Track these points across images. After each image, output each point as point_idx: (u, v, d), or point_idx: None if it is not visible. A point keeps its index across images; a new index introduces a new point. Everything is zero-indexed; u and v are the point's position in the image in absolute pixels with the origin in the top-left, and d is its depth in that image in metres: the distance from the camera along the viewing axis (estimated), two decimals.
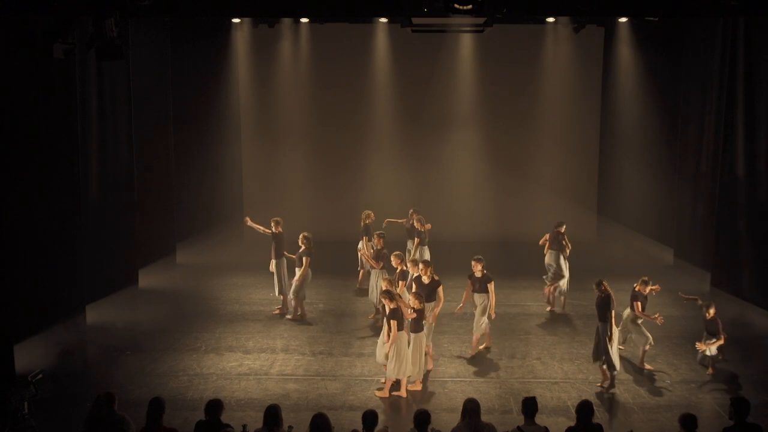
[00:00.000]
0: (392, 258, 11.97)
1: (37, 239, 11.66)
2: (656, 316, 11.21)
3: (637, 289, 11.27)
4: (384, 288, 10.68)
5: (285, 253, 13.58)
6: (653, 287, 11.36)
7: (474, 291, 11.72)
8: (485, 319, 11.68)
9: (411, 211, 15.13)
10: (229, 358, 11.62)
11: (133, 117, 14.70)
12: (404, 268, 11.81)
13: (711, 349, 10.97)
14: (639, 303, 11.18)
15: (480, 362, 11.57)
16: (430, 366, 11.06)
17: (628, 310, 11.45)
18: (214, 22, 17.51)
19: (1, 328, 10.41)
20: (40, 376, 9.03)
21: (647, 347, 11.26)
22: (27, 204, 11.39)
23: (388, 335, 10.15)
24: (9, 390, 8.76)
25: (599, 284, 10.57)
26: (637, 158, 18.14)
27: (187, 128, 17.61)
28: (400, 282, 11.48)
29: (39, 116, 11.74)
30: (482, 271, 11.63)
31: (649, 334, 11.25)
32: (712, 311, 11.06)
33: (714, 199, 14.91)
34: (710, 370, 11.04)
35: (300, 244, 13.11)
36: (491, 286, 11.59)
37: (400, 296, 10.52)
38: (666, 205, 17.36)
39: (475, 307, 11.74)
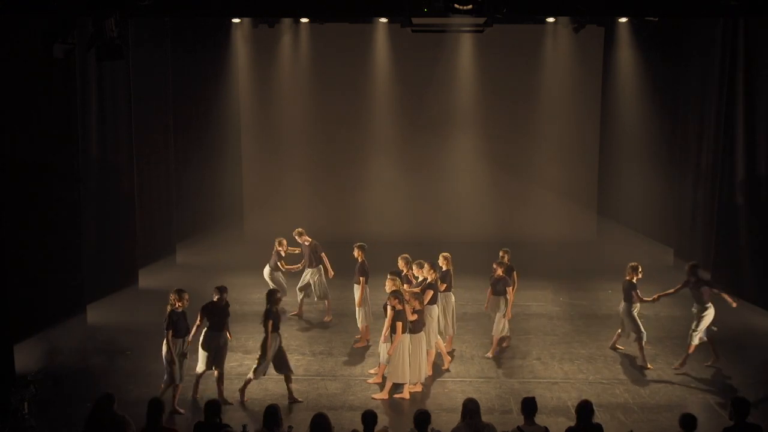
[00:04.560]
0: (399, 261, 11.78)
1: (38, 239, 11.67)
2: (655, 297, 11.37)
3: (628, 279, 11.31)
4: (390, 289, 10.49)
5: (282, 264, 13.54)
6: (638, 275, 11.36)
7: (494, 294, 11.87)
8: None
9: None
10: (229, 358, 11.55)
11: (133, 117, 14.70)
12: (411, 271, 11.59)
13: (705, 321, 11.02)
14: (637, 291, 11.25)
15: (480, 362, 11.58)
16: (430, 371, 10.97)
17: (622, 304, 11.45)
18: (214, 22, 17.51)
19: (1, 328, 10.40)
20: (40, 376, 9.03)
21: (643, 343, 11.27)
22: (27, 204, 11.39)
23: (390, 337, 10.13)
24: (9, 390, 8.77)
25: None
26: (637, 158, 18.14)
27: (187, 128, 17.64)
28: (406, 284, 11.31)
29: (39, 116, 11.74)
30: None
31: (643, 330, 11.27)
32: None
33: (714, 199, 14.90)
34: (713, 357, 11.23)
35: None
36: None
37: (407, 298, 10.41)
38: (666, 205, 17.36)
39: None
